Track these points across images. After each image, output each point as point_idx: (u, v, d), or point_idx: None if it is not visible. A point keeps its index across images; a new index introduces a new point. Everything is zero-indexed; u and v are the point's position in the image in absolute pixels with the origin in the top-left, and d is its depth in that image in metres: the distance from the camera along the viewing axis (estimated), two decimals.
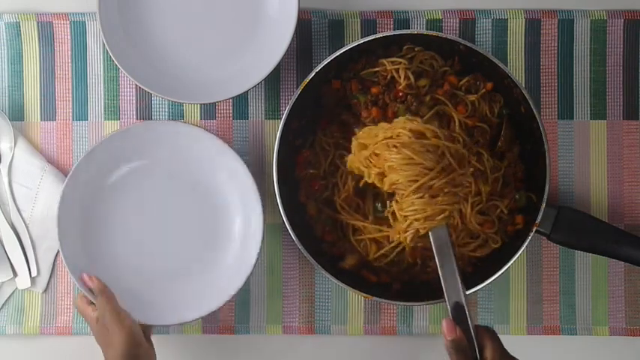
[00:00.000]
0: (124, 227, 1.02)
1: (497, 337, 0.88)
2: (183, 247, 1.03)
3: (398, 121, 0.93)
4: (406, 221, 0.93)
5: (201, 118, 1.06)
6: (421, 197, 0.92)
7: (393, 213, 0.95)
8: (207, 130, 1.03)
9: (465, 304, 0.89)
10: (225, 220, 1.03)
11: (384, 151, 0.92)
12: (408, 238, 0.93)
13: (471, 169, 0.96)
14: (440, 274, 0.90)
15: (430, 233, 0.92)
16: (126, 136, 1.01)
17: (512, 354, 0.88)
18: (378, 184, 0.94)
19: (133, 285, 1.02)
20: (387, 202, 0.98)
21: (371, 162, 0.94)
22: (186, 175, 1.03)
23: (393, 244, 0.99)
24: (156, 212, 1.03)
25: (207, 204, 1.03)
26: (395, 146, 0.92)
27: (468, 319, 0.88)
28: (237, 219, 1.03)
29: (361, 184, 0.97)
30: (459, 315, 0.89)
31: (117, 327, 0.93)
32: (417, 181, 0.91)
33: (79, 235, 1.01)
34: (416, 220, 0.92)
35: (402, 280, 1.00)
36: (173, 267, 1.03)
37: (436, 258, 0.91)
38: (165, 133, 1.02)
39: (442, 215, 0.92)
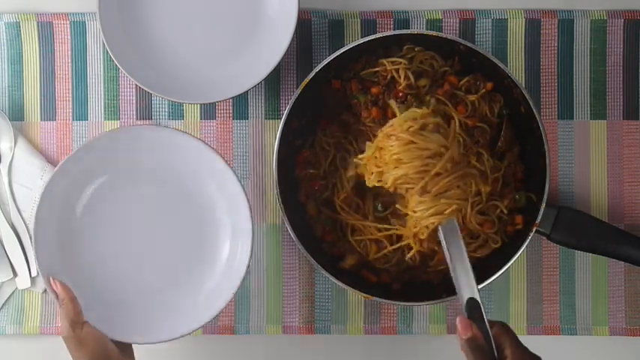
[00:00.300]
0: (102, 240, 0.98)
1: (514, 332, 0.85)
2: (165, 263, 0.99)
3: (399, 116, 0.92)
4: (412, 219, 0.92)
5: (201, 118, 1.06)
6: (428, 193, 0.89)
7: (396, 213, 0.95)
8: (196, 138, 0.97)
9: (479, 300, 0.85)
10: (212, 236, 0.99)
11: (385, 143, 0.90)
12: (423, 235, 0.92)
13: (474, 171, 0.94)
14: (451, 270, 0.88)
15: (440, 228, 0.90)
16: (107, 143, 0.96)
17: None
18: (380, 184, 0.93)
19: (109, 298, 0.98)
20: (388, 202, 0.98)
21: (375, 159, 0.92)
22: (171, 184, 0.99)
23: (395, 246, 0.99)
24: (137, 224, 0.98)
25: (193, 216, 0.99)
26: (392, 134, 0.90)
27: (484, 315, 0.85)
28: (225, 236, 0.99)
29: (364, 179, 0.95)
30: (473, 312, 0.85)
31: (79, 351, 0.89)
32: (427, 171, 0.88)
33: (57, 247, 0.96)
34: (424, 216, 0.90)
35: (402, 280, 1.00)
36: (153, 283, 0.99)
37: (447, 253, 0.88)
38: (150, 139, 0.97)
39: (451, 209, 0.90)
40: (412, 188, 0.91)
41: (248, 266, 0.96)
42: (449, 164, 0.90)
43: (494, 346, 0.83)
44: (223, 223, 0.99)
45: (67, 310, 0.91)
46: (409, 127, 0.90)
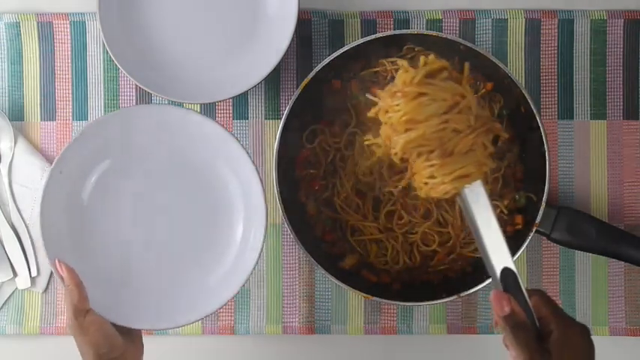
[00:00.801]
0: (111, 223, 0.95)
1: (554, 301, 0.76)
2: (176, 247, 0.96)
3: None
4: (427, 187, 0.79)
5: None
6: (451, 156, 0.76)
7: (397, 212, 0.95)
8: (206, 117, 0.94)
9: (515, 269, 0.74)
10: (226, 219, 0.97)
11: (389, 102, 0.77)
12: (445, 193, 0.78)
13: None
14: (477, 240, 0.78)
15: (464, 192, 0.77)
16: (118, 121, 0.94)
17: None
18: (392, 155, 0.80)
19: (118, 284, 0.95)
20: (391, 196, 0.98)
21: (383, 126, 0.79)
22: (180, 165, 0.96)
23: (392, 246, 0.99)
24: (148, 207, 0.96)
25: (204, 198, 0.96)
26: (395, 92, 0.76)
27: (522, 286, 0.74)
28: (239, 219, 0.97)
29: (385, 158, 0.83)
30: (509, 284, 0.74)
31: (82, 339, 0.86)
32: (447, 129, 0.74)
33: (64, 230, 0.93)
34: (445, 181, 0.77)
35: (402, 280, 1.00)
36: (164, 267, 0.96)
37: (473, 220, 0.77)
38: (160, 119, 0.94)
39: (479, 171, 0.77)
40: (430, 151, 0.77)
41: (262, 245, 0.94)
42: (472, 117, 0.76)
43: (536, 321, 0.75)
44: (236, 204, 0.96)
45: (71, 295, 0.87)
46: (412, 78, 0.76)
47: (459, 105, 0.76)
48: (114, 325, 0.90)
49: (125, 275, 0.96)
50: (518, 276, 0.75)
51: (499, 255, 0.76)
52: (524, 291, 0.75)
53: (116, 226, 0.96)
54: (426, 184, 0.79)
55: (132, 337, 0.91)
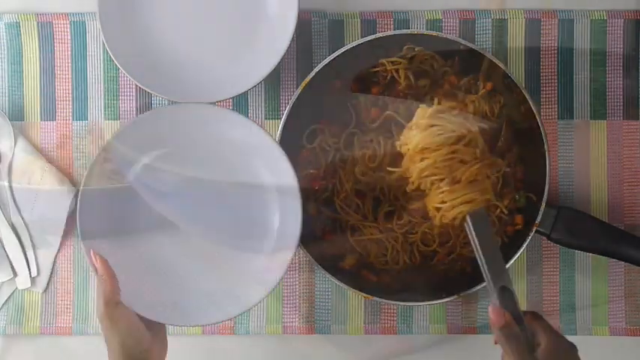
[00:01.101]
0: (148, 215, 0.96)
1: (547, 321, 0.85)
2: (214, 245, 0.97)
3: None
4: (439, 212, 0.90)
5: None
6: (458, 183, 0.87)
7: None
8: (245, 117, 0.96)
9: (512, 288, 0.84)
10: (262, 218, 0.97)
11: (408, 136, 0.90)
12: (449, 218, 0.90)
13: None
14: (479, 260, 0.87)
15: (468, 217, 0.87)
16: (159, 117, 0.95)
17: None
18: (409, 185, 0.92)
19: (155, 278, 0.96)
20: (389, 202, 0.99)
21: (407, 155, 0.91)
22: (218, 160, 0.97)
23: (392, 245, 0.99)
24: (187, 203, 0.97)
25: (240, 193, 0.97)
26: (412, 126, 0.89)
27: (517, 303, 0.84)
28: (275, 218, 0.98)
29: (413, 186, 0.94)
30: (506, 301, 0.84)
31: (110, 331, 0.87)
32: (455, 158, 0.86)
33: (101, 219, 0.94)
34: (455, 205, 0.89)
35: (402, 280, 1.00)
36: (199, 266, 0.97)
37: (475, 242, 0.87)
38: (197, 117, 0.96)
39: (483, 197, 0.89)
40: (440, 180, 0.89)
41: (298, 243, 0.94)
42: (477, 150, 0.88)
43: (528, 333, 0.83)
44: (272, 206, 0.97)
45: (104, 286, 0.88)
46: (425, 113, 0.89)
47: (465, 137, 0.89)
48: (143, 320, 0.90)
49: (160, 271, 0.96)
50: (514, 294, 0.84)
51: (498, 275, 0.85)
52: (518, 307, 0.84)
53: (152, 219, 0.96)
54: (437, 209, 0.92)
55: (159, 335, 0.92)
